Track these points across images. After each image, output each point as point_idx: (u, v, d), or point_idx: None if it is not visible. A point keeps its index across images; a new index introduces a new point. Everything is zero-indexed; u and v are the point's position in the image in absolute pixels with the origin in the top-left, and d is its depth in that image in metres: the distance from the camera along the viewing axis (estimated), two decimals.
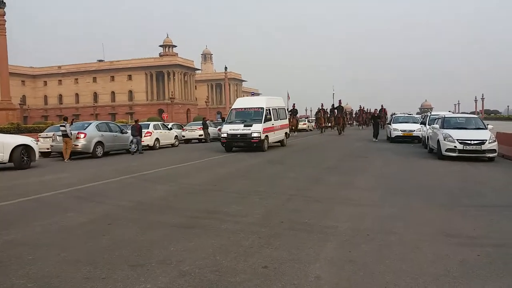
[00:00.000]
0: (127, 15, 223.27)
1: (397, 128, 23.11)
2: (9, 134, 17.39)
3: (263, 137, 17.73)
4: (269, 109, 19.13)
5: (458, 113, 69.83)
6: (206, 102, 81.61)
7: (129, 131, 20.21)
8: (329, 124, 40.49)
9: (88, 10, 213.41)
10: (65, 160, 16.45)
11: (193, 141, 28.95)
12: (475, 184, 9.28)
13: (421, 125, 21.61)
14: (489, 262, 4.22)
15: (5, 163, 13.43)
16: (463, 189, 8.54)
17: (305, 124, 45.96)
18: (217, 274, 3.92)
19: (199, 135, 28.47)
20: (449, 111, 30.92)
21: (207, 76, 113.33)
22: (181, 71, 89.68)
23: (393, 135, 23.08)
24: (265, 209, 6.71)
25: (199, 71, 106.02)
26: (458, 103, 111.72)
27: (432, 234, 5.22)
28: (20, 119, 54.17)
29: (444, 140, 13.57)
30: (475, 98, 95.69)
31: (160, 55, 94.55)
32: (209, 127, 28.84)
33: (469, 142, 13.16)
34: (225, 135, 18.14)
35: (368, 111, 56.57)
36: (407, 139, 22.68)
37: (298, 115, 37.71)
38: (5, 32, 33.82)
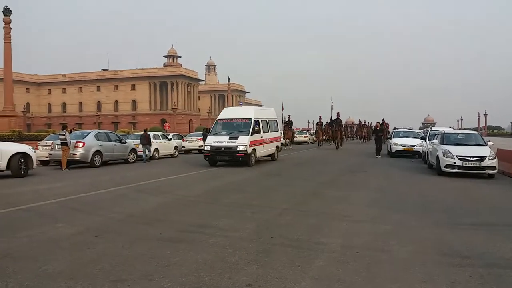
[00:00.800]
0: (133, 25, 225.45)
1: (398, 143, 23.01)
2: (8, 142, 17.41)
3: (249, 150, 16.37)
4: (258, 121, 17.86)
5: (461, 129, 69.70)
6: (208, 113, 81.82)
7: (128, 141, 20.34)
8: (325, 138, 38.87)
9: (93, 20, 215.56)
10: (63, 169, 16.38)
11: (193, 151, 28.87)
12: (473, 201, 9.14)
13: (422, 140, 21.49)
14: (481, 283, 4.11)
15: (2, 171, 13.41)
16: (461, 207, 8.40)
17: (306, 136, 45.82)
18: None
19: (199, 146, 28.38)
20: (450, 127, 30.74)
21: (211, 87, 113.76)
22: (184, 82, 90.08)
23: (393, 150, 22.97)
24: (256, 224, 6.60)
25: (203, 82, 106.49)
26: (461, 119, 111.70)
27: (425, 253, 5.10)
28: (24, 126, 54.42)
29: (444, 156, 13.46)
30: (478, 114, 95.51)
31: (164, 66, 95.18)
32: None
33: (468, 158, 13.04)
34: (208, 147, 16.68)
35: (369, 125, 55.38)
36: (408, 154, 22.53)
37: (294, 127, 36.51)
38: (11, 40, 34.02)
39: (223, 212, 7.55)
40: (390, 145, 23.93)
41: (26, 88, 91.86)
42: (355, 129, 56.62)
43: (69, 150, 16.75)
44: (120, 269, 4.42)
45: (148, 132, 22.21)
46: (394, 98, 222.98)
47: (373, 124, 56.60)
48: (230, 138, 16.55)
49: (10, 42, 34.09)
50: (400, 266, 4.61)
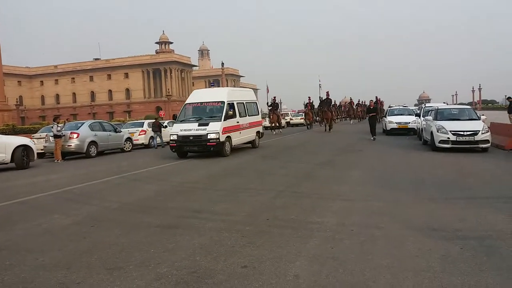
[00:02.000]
0: (122, 12, 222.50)
1: (392, 121, 23.06)
2: (7, 135, 17.42)
3: (223, 138, 14.34)
4: (233, 104, 15.64)
5: (456, 104, 69.73)
6: None
7: (123, 130, 20.48)
8: (317, 119, 36.54)
9: (83, 8, 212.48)
10: (56, 161, 16.38)
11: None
12: (466, 175, 9.21)
13: (416, 117, 21.53)
14: (472, 255, 4.17)
15: (7, 163, 13.74)
16: (454, 181, 8.47)
17: (303, 118, 45.53)
18: (195, 276, 3.86)
19: None
20: (444, 103, 30.73)
21: (205, 72, 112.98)
22: (177, 68, 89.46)
23: (388, 128, 23.03)
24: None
25: (196, 68, 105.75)
26: (456, 94, 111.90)
27: (418, 229, 5.16)
28: (18, 120, 54.07)
29: (438, 131, 13.52)
30: (473, 88, 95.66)
31: (157, 52, 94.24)
32: None
33: (462, 133, 13.10)
34: (174, 137, 14.54)
35: (364, 103, 52.88)
36: (403, 131, 22.62)
37: (290, 109, 35.54)
38: None
39: (219, 197, 7.60)
40: (385, 123, 23.98)
41: (18, 81, 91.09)
42: (347, 109, 51.97)
43: (61, 141, 16.73)
44: (116, 257, 4.46)
45: (159, 121, 23.61)
46: (389, 75, 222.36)
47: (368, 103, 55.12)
48: (199, 125, 14.43)
49: None
50: (393, 242, 4.67)
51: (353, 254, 4.31)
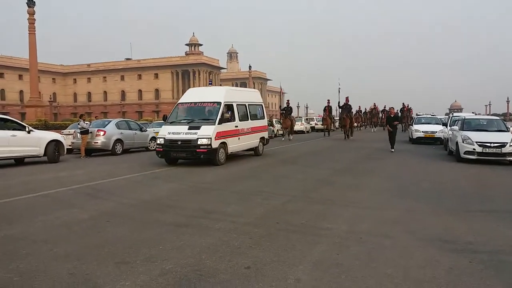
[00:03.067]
0: (155, 14, 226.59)
1: (419, 129, 22.65)
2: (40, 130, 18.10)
3: (215, 145, 12.55)
4: (232, 105, 14.02)
5: (489, 114, 67.74)
6: None
7: (149, 129, 20.94)
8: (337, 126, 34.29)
9: (116, 10, 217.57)
10: (81, 157, 16.86)
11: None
12: (488, 188, 8.99)
13: (444, 126, 21.10)
14: (481, 269, 4.09)
15: (40, 156, 14.48)
16: (475, 194, 8.29)
17: (317, 124, 43.35)
18: (198, 274, 3.93)
19: None
20: (473, 113, 30.00)
21: (232, 75, 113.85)
22: (206, 70, 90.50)
23: (414, 136, 22.63)
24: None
25: (224, 70, 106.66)
26: (489, 104, 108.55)
27: (429, 240, 5.09)
28: (50, 116, 55.89)
29: (463, 142, 13.23)
30: (507, 99, 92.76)
31: (186, 54, 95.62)
32: None
33: (488, 144, 12.78)
34: (161, 140, 12.91)
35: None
36: (429, 140, 22.18)
37: (317, 115, 32.98)
38: (35, 31, 34.80)
39: (233, 199, 7.68)
40: (412, 132, 23.58)
41: (53, 78, 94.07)
42: (369, 116, 48.77)
43: (88, 137, 17.27)
44: (125, 252, 4.59)
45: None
46: (422, 82, 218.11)
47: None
48: (189, 128, 12.72)
49: (35, 33, 34.86)
50: (401, 251, 4.63)
51: (358, 261, 4.29)
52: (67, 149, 18.77)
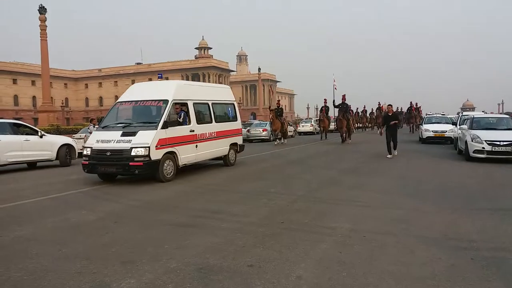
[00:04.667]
0: (164, 18, 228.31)
1: (429, 129, 22.50)
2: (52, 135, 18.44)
3: (157, 155, 9.69)
4: (186, 104, 11.13)
5: (502, 113, 66.88)
6: (239, 103, 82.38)
7: None
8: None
9: (126, 14, 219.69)
10: None
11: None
12: (496, 187, 8.94)
13: (454, 125, 20.95)
14: (482, 266, 4.11)
15: (52, 160, 14.78)
16: (483, 192, 8.25)
17: (312, 126, 41.54)
18: (201, 272, 4.02)
19: None
20: (483, 111, 29.71)
21: (242, 77, 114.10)
22: (216, 73, 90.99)
23: (424, 136, 22.50)
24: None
25: (234, 72, 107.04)
26: (502, 103, 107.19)
27: (432, 238, 5.11)
28: (63, 120, 56.51)
29: (472, 141, 13.14)
30: None
31: (196, 57, 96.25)
32: None
33: (498, 143, 12.67)
34: (88, 151, 10.09)
35: (400, 110, 48.01)
36: (439, 140, 22.04)
37: (284, 116, 27.60)
38: (46, 37, 35.35)
39: (239, 199, 7.77)
40: (421, 131, 23.46)
41: (64, 84, 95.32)
42: (374, 116, 45.73)
43: None
44: (132, 251, 4.69)
45: None
46: (433, 80, 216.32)
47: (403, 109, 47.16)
48: (123, 135, 9.81)
49: (46, 40, 35.39)
50: (404, 249, 4.66)
51: (360, 259, 4.34)
52: (78, 152, 19.12)
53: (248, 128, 30.61)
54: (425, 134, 22.48)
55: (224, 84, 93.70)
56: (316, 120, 44.83)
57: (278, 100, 27.64)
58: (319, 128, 31.10)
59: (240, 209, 6.82)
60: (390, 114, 15.56)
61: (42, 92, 36.95)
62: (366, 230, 5.47)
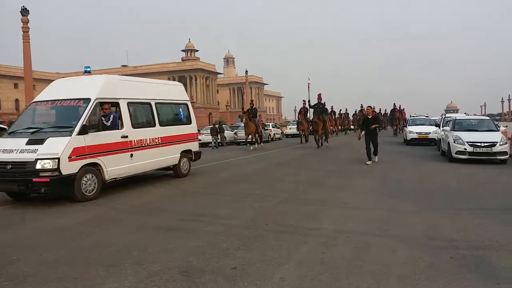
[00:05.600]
0: (150, 21, 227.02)
1: (413, 131, 22.77)
2: None
3: (71, 169, 7.67)
4: (118, 103, 9.24)
5: (484, 115, 68.00)
6: (226, 105, 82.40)
7: None
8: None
9: (111, 17, 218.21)
10: None
11: (209, 145, 29.03)
12: (477, 186, 9.12)
13: (437, 127, 21.25)
14: (461, 264, 4.21)
15: None
16: (463, 192, 8.41)
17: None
18: (185, 275, 4.02)
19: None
20: (465, 113, 30.15)
21: (229, 80, 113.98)
22: (203, 75, 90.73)
23: (408, 138, 22.75)
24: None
25: (221, 75, 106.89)
26: (485, 105, 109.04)
27: (413, 237, 5.21)
28: None
29: (454, 142, 13.37)
30: (502, 99, 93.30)
31: (183, 60, 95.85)
32: (225, 131, 29.17)
33: (479, 144, 12.91)
34: None
35: (385, 112, 44.92)
36: (423, 141, 22.30)
37: (258, 118, 24.61)
38: (29, 39, 34.92)
39: (225, 202, 7.78)
40: (406, 133, 23.73)
41: None
42: (357, 117, 42.77)
43: None
44: (115, 255, 4.67)
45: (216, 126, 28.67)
46: (417, 83, 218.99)
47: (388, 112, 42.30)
48: (28, 143, 7.80)
49: (29, 42, 34.97)
50: (385, 249, 4.73)
51: (343, 260, 4.39)
52: None
53: (235, 130, 30.61)
54: (410, 136, 22.74)
55: (211, 85, 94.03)
56: (293, 122, 43.17)
57: (252, 100, 25.41)
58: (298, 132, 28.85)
59: (226, 212, 6.83)
60: (370, 117, 14.12)
61: (25, 95, 36.44)
62: (349, 230, 5.53)
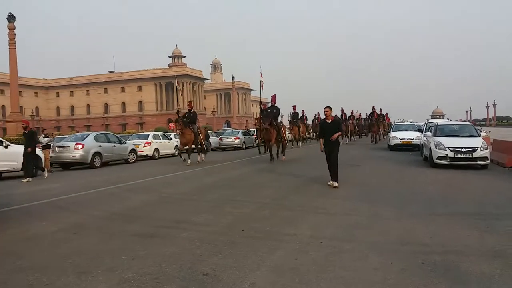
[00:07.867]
0: (137, 27, 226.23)
1: (396, 136, 23.01)
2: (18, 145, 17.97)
3: None
4: None
5: (469, 120, 69.03)
6: (212, 111, 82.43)
7: (128, 142, 21.10)
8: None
9: (98, 23, 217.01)
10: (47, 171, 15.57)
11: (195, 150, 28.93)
12: (456, 192, 9.23)
13: (420, 132, 21.52)
14: (431, 269, 4.26)
15: (18, 171, 14.53)
16: (442, 197, 8.51)
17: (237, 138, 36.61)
18: (156, 282, 4.03)
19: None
20: (448, 119, 30.56)
21: (216, 86, 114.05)
22: (190, 81, 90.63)
23: (392, 143, 22.98)
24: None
25: (208, 81, 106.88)
26: (470, 110, 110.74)
27: (388, 243, 5.26)
28: None
29: (436, 148, 13.54)
30: (487, 104, 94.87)
31: (170, 66, 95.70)
32: (210, 137, 29.17)
33: (460, 149, 13.09)
34: None
35: (358, 117, 39.16)
36: (407, 147, 22.54)
37: (198, 124, 19.60)
38: (15, 46, 34.68)
39: (204, 208, 7.78)
40: (389, 139, 23.96)
41: (35, 92, 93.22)
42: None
43: (48, 152, 17.46)
44: (89, 262, 4.66)
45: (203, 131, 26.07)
46: (402, 89, 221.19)
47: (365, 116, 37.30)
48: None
49: (15, 48, 34.74)
50: (358, 255, 4.78)
51: (315, 265, 4.43)
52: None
53: (220, 136, 30.62)
54: (393, 141, 22.98)
55: (198, 91, 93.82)
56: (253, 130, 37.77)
57: (190, 102, 20.12)
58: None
59: (204, 218, 6.83)
60: (329, 122, 10.05)
61: (10, 101, 36.08)
62: (324, 236, 5.58)
